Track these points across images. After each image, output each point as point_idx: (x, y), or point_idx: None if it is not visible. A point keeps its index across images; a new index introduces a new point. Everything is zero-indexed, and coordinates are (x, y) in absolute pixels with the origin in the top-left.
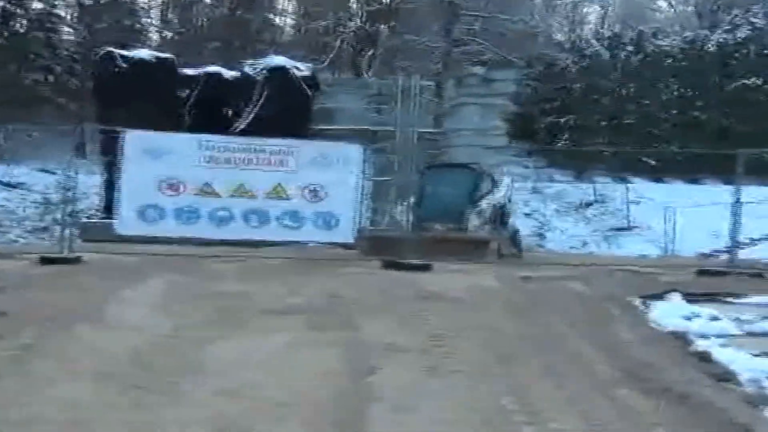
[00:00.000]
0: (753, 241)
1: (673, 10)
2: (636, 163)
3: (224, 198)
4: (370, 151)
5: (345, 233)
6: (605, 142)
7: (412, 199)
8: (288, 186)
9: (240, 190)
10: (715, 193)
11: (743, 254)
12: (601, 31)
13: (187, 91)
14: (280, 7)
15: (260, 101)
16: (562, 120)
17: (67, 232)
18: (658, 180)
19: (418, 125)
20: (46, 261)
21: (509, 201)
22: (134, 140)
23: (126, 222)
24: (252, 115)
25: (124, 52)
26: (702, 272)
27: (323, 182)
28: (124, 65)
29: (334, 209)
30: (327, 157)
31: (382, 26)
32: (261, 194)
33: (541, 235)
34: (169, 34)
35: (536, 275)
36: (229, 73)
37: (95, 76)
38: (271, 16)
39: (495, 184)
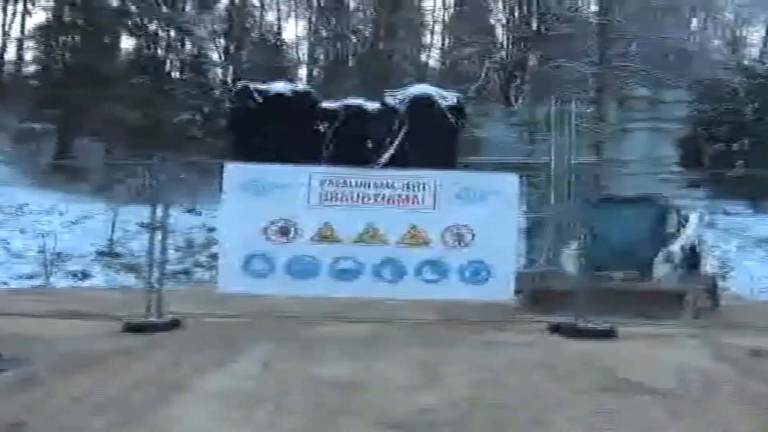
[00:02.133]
0: None
1: None
2: None
3: (347, 245)
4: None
5: (500, 288)
6: None
7: (581, 240)
8: (425, 228)
9: (367, 234)
10: None
11: None
12: (763, 52)
13: (327, 125)
14: (426, 39)
15: (403, 133)
16: (733, 145)
17: (157, 287)
18: None
19: (576, 155)
20: (130, 328)
21: (700, 241)
22: (235, 174)
23: (227, 277)
24: (394, 148)
25: (261, 86)
26: None
27: (470, 222)
28: (260, 99)
29: (485, 257)
30: (474, 191)
31: (531, 53)
32: (393, 240)
33: (723, 277)
34: (316, 70)
35: (758, 345)
36: (370, 105)
37: (231, 111)
38: (416, 48)
39: (682, 220)
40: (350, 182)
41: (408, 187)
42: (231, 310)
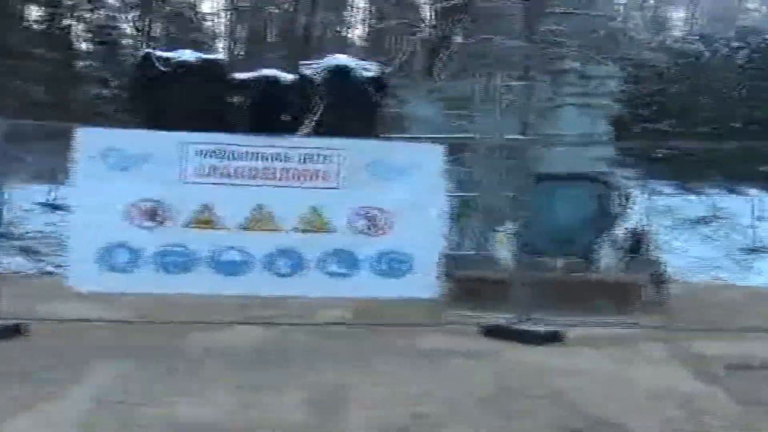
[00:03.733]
0: None
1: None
2: (748, 173)
3: (232, 232)
4: (450, 162)
5: (423, 283)
6: (713, 149)
7: (516, 222)
8: (329, 210)
9: (256, 218)
10: None
11: None
12: (690, 33)
13: (239, 97)
14: (348, 11)
15: (320, 106)
16: (660, 125)
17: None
18: None
19: (504, 131)
20: None
21: (646, 224)
22: (88, 140)
23: (79, 272)
24: (310, 121)
25: (165, 54)
26: None
27: (386, 203)
28: (164, 68)
29: (404, 245)
30: (391, 165)
31: (457, 27)
32: (289, 225)
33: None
34: (234, 42)
35: (738, 354)
36: (286, 77)
37: (133, 81)
38: (338, 20)
39: (627, 201)
40: (236, 154)
41: (307, 160)
42: (98, 310)
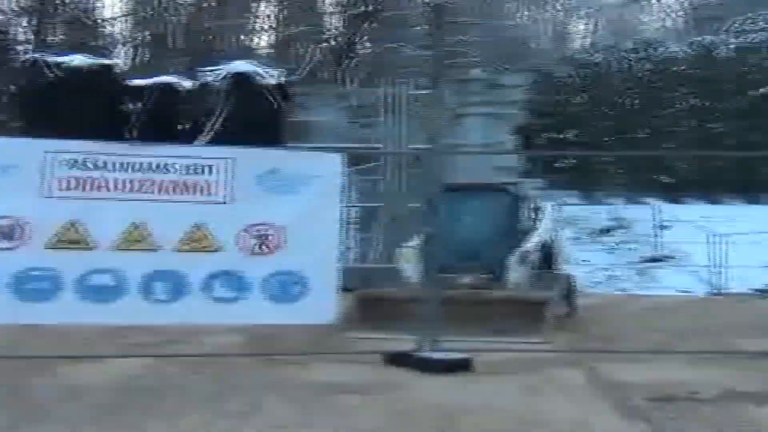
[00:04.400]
0: None
1: (664, 22)
2: (649, 182)
3: (102, 251)
4: (354, 172)
5: (319, 308)
6: (615, 159)
7: (422, 236)
8: (215, 227)
9: (132, 237)
10: (752, 215)
11: None
12: (592, 45)
13: (134, 104)
14: (254, 17)
15: (221, 114)
16: (565, 135)
17: None
18: (674, 200)
19: (411, 141)
20: None
21: (555, 237)
22: None
23: None
24: (209, 130)
25: (54, 58)
26: None
27: (278, 219)
28: (54, 73)
29: (299, 266)
30: (284, 177)
31: (364, 34)
32: (169, 244)
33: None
34: (133, 48)
35: (659, 381)
36: (185, 83)
37: (22, 87)
38: (243, 26)
39: (536, 212)
40: (109, 164)
41: (191, 171)
42: None
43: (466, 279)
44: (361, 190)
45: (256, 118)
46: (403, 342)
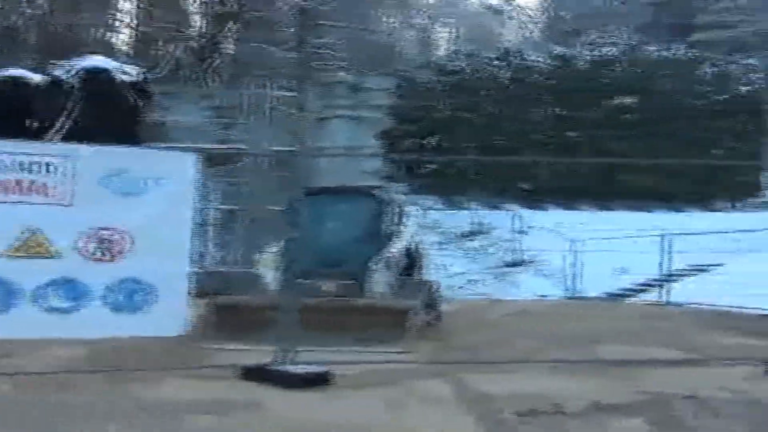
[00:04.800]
0: (671, 277)
1: (525, 33)
2: (510, 188)
3: None
4: (216, 173)
5: (169, 318)
6: (476, 165)
7: (283, 242)
8: (51, 232)
9: None
10: (606, 221)
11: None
12: (454, 51)
13: None
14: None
15: (72, 111)
16: (428, 141)
17: None
18: (533, 206)
19: (274, 143)
20: None
21: (419, 242)
22: None
23: None
24: (61, 127)
25: None
26: None
27: (123, 223)
28: None
29: (145, 273)
30: (132, 177)
31: (228, 33)
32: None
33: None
34: None
35: (525, 393)
36: (35, 77)
37: None
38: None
39: (401, 217)
40: None
41: (26, 170)
42: None
43: (328, 286)
44: (223, 192)
45: (111, 117)
46: (262, 353)
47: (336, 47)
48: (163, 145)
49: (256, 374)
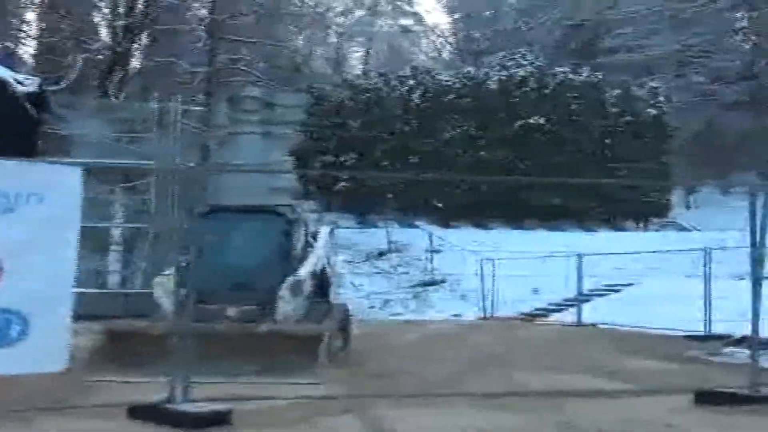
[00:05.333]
0: (583, 297)
1: (436, 53)
2: (422, 207)
3: None
4: (121, 191)
5: (44, 353)
6: (389, 184)
7: (181, 264)
8: None
9: None
10: (518, 240)
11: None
12: (367, 69)
13: None
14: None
15: None
16: (339, 158)
17: None
18: (445, 225)
19: (180, 157)
20: None
21: (330, 263)
22: None
23: None
24: None
25: None
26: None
27: None
28: None
29: (17, 302)
30: (4, 193)
31: (136, 46)
32: None
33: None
34: None
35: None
36: None
37: None
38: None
39: (311, 237)
40: None
41: None
42: None
43: (232, 311)
44: (127, 209)
45: (6, 128)
46: (157, 387)
47: (247, 63)
48: (65, 160)
49: (144, 413)
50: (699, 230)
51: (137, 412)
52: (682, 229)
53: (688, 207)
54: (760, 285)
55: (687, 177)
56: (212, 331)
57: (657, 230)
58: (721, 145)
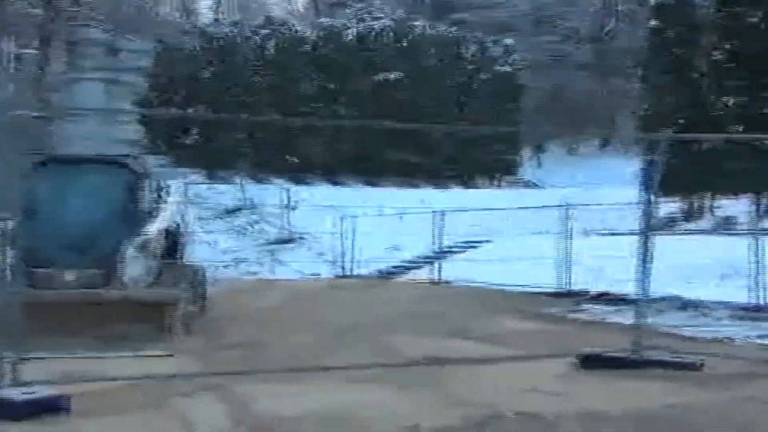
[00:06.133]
0: (442, 254)
1: (290, 4)
2: (277, 163)
3: None
4: None
5: None
6: (242, 137)
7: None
8: None
9: None
10: (373, 197)
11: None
12: (218, 18)
13: None
14: None
15: None
16: (191, 111)
17: None
18: (300, 181)
19: (15, 106)
20: None
21: (183, 221)
22: None
23: None
24: None
25: None
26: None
27: None
28: None
29: None
30: None
31: None
32: None
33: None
34: None
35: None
36: None
37: None
38: None
39: (162, 192)
40: None
41: None
42: None
43: (71, 275)
44: None
45: None
46: None
47: (88, 5)
48: None
49: None
50: (545, 188)
51: None
52: (532, 185)
53: (540, 165)
54: (649, 243)
55: (537, 135)
56: (46, 299)
57: (507, 187)
58: (570, 106)
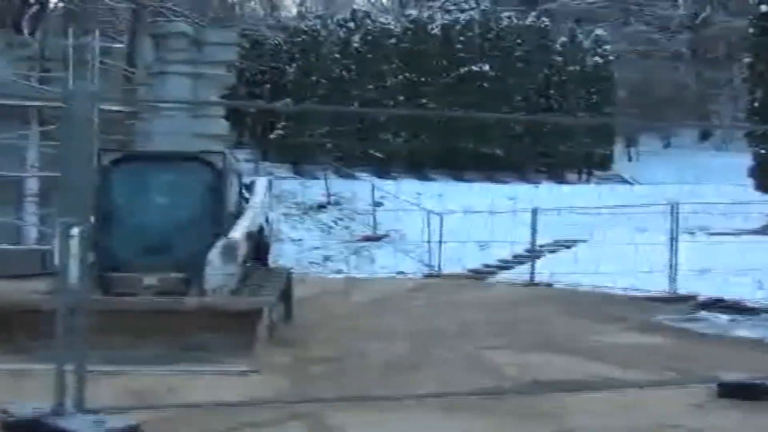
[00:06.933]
0: (535, 253)
1: None
2: (362, 157)
3: None
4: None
5: None
6: (326, 131)
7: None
8: None
9: None
10: (460, 193)
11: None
12: (303, 11)
13: None
14: None
15: None
16: (276, 102)
17: None
18: (384, 176)
19: (100, 99)
20: None
21: (269, 221)
22: None
23: None
24: None
25: None
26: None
27: None
28: None
29: None
30: None
31: None
32: None
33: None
34: None
35: None
36: None
37: None
38: None
39: (246, 189)
40: None
41: None
42: None
43: (150, 280)
44: (42, 156)
45: None
46: (39, 379)
47: (175, 2)
48: None
49: (19, 429)
50: (640, 184)
51: (11, 428)
52: (624, 182)
53: (630, 159)
54: None
55: (630, 128)
56: (124, 306)
57: (598, 182)
58: (663, 98)
